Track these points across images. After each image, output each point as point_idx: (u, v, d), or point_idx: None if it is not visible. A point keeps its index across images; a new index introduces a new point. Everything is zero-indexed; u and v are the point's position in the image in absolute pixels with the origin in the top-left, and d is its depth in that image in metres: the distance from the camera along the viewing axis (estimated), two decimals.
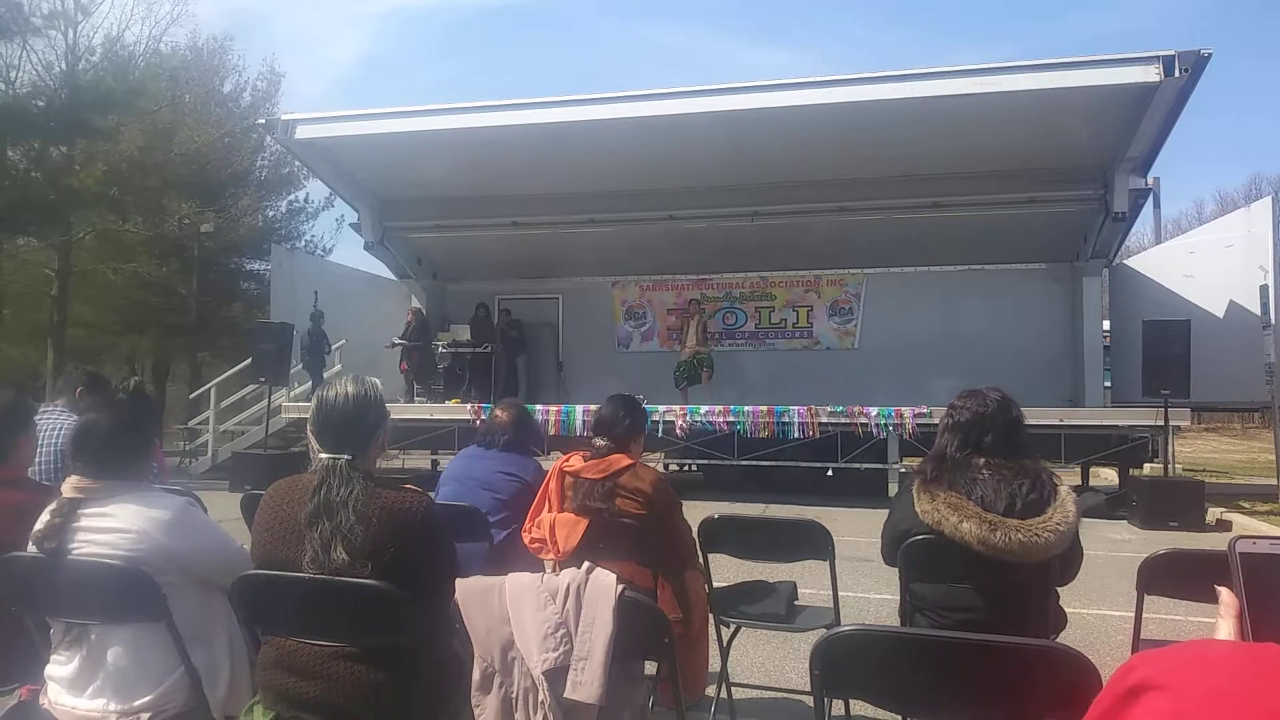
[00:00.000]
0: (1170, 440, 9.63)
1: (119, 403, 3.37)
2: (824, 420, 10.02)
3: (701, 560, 3.14)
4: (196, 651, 1.98)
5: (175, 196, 19.80)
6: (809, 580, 3.46)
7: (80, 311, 19.92)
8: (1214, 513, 8.95)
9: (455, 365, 13.03)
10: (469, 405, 11.01)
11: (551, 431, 10.37)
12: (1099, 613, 4.92)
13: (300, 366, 12.02)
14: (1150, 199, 12.45)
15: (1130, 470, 10.13)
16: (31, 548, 2.00)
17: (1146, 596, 2.57)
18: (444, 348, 12.97)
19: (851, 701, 2.71)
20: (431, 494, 2.10)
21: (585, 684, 1.87)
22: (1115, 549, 7.16)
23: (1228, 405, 12.87)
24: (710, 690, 3.19)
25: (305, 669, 1.73)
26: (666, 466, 11.73)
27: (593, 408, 8.91)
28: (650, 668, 2.18)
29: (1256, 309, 9.83)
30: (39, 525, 2.00)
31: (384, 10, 64.91)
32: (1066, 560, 2.21)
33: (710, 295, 13.95)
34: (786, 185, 11.73)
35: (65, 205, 15.99)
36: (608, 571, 2.01)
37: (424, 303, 14.22)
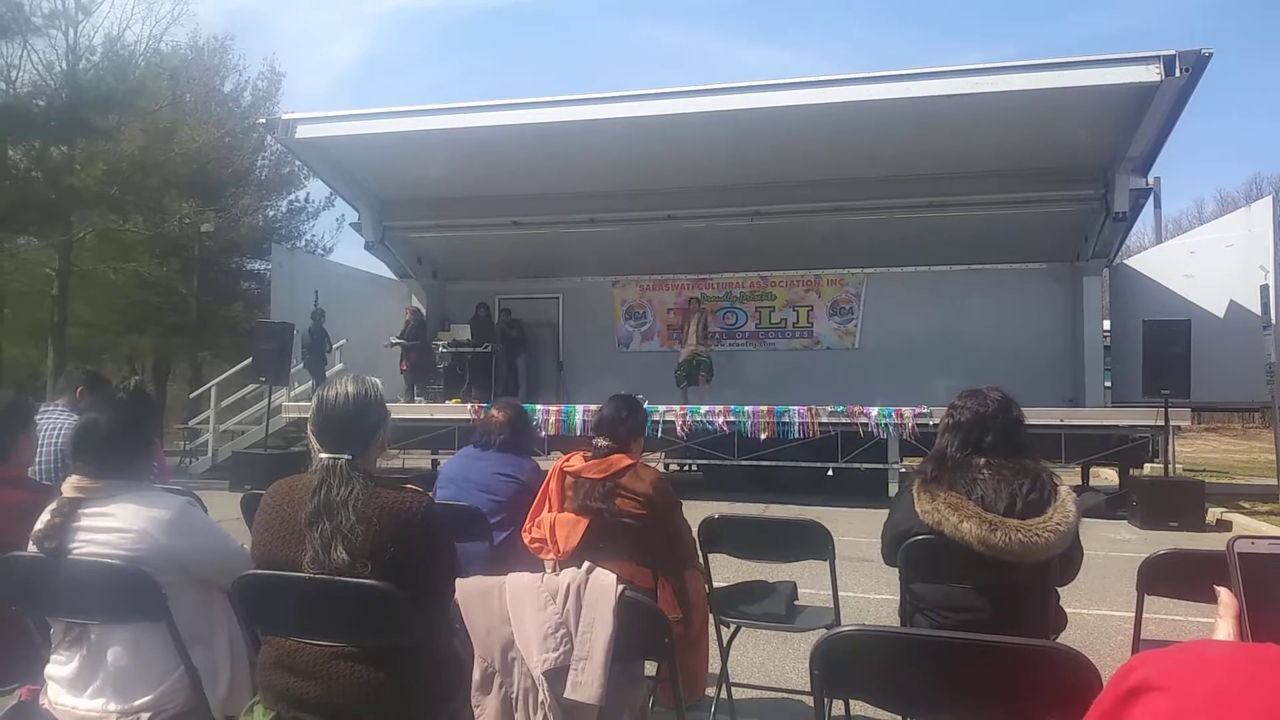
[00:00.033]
0: (1170, 440, 9.63)
1: (119, 402, 3.38)
2: (824, 420, 10.02)
3: (701, 560, 3.14)
4: (196, 651, 1.99)
5: (176, 196, 19.82)
6: (809, 580, 3.46)
7: (81, 311, 19.94)
8: (1214, 513, 8.95)
9: (455, 365, 13.04)
10: (469, 405, 11.00)
11: (552, 431, 10.38)
12: (1099, 613, 4.92)
13: (300, 366, 12.01)
14: (1151, 199, 12.45)
15: (1130, 470, 10.13)
16: (32, 547, 2.00)
17: (1147, 597, 2.57)
18: (444, 347, 12.98)
19: (851, 702, 2.70)
20: (431, 494, 2.10)
21: (585, 684, 1.88)
22: (1115, 549, 7.16)
23: (1228, 405, 12.87)
24: (710, 690, 3.19)
25: (305, 669, 1.73)
26: (667, 466, 11.73)
27: (593, 408, 8.94)
28: (650, 668, 2.18)
29: (1257, 309, 9.82)
30: (39, 525, 2.00)
31: (384, 10, 64.97)
32: (1067, 560, 2.21)
33: (710, 295, 13.94)
34: (786, 185, 11.73)
35: (66, 205, 16.00)
36: (608, 571, 2.01)
37: (424, 302, 14.22)
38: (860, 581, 5.12)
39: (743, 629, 3.21)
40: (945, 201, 11.43)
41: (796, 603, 3.25)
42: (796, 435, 10.05)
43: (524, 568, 2.16)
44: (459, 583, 1.97)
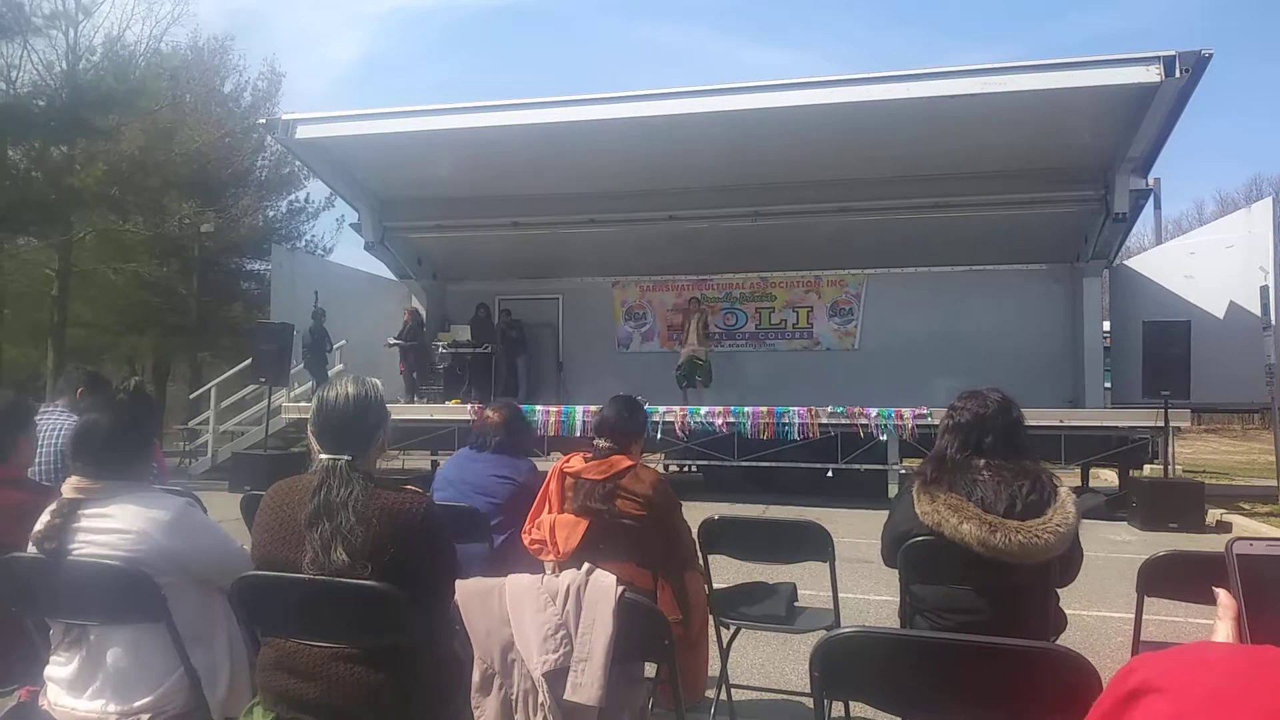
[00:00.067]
0: (1170, 441, 9.63)
1: (119, 403, 3.38)
2: (824, 421, 10.02)
3: (701, 561, 3.14)
4: (196, 652, 1.98)
5: (176, 196, 19.82)
6: (809, 582, 3.46)
7: (80, 311, 19.94)
8: (1214, 514, 8.95)
9: (455, 366, 13.05)
10: (469, 406, 11.01)
11: (551, 432, 10.38)
12: (1099, 614, 4.92)
13: (300, 366, 12.02)
14: (1151, 199, 12.46)
15: (1130, 471, 10.14)
16: (31, 548, 2.00)
17: (1146, 598, 2.57)
18: (444, 348, 12.98)
19: (851, 703, 2.71)
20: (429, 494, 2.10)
21: (585, 686, 1.88)
22: (1115, 550, 7.16)
23: (1228, 406, 12.87)
24: (710, 692, 3.19)
25: (305, 670, 1.73)
26: (666, 467, 11.74)
27: (593, 408, 8.94)
28: (650, 669, 2.18)
29: (1257, 310, 9.83)
30: (39, 526, 2.00)
31: (384, 10, 65.01)
32: (1066, 562, 2.21)
33: (710, 296, 13.94)
34: (787, 185, 11.73)
35: (66, 205, 16.01)
36: (608, 573, 2.01)
37: (424, 303, 14.23)
38: (860, 583, 5.12)
39: (742, 630, 3.21)
40: (946, 202, 11.43)
41: (796, 604, 3.25)
42: (796, 436, 10.05)
43: (524, 569, 2.16)
44: (459, 584, 1.97)
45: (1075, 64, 9.20)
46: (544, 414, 10.50)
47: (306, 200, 25.92)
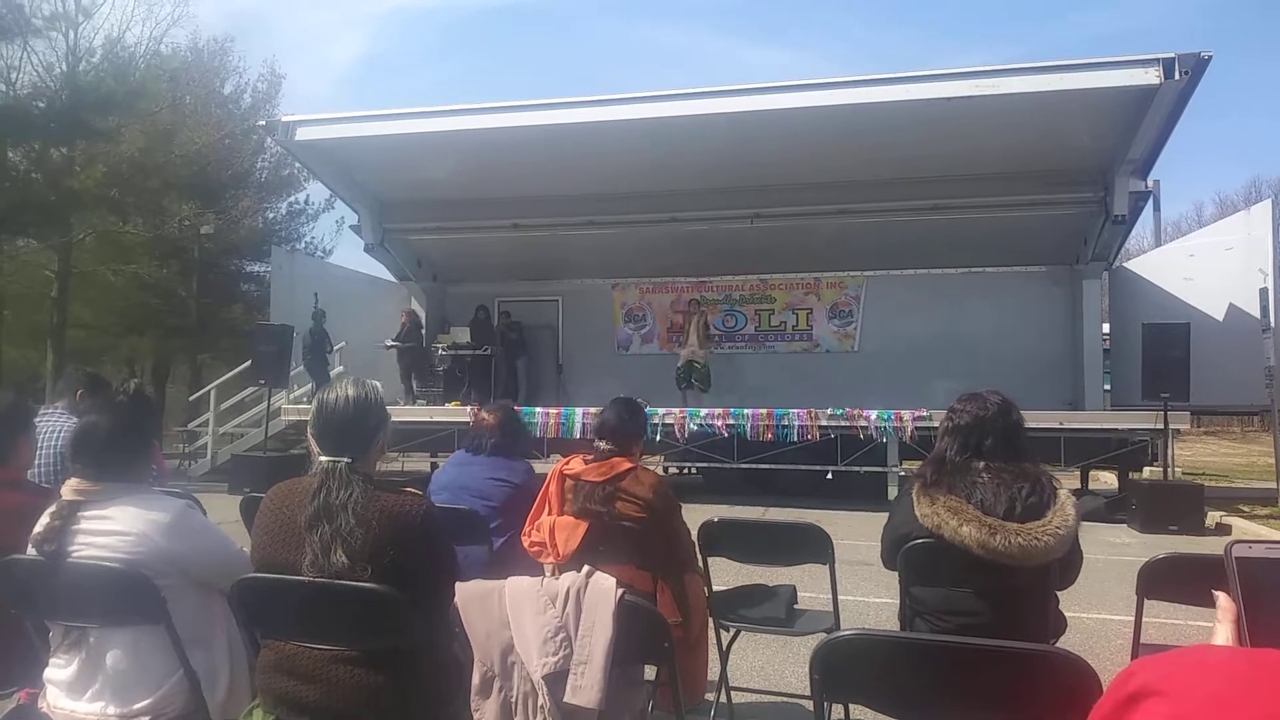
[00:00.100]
0: (1170, 443, 9.63)
1: (119, 405, 3.37)
2: (823, 423, 10.02)
3: (701, 564, 3.14)
4: (196, 654, 1.98)
5: (175, 198, 19.83)
6: (809, 584, 3.46)
7: (80, 313, 19.95)
8: (1213, 516, 8.95)
9: (455, 368, 13.05)
10: (469, 408, 11.00)
11: (551, 434, 10.38)
12: (1099, 617, 4.91)
13: (300, 368, 12.01)
14: (1150, 202, 12.47)
15: (1130, 474, 10.13)
16: (31, 550, 2.00)
17: (1146, 600, 2.57)
18: (444, 350, 12.98)
19: (851, 706, 2.70)
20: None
21: (585, 688, 1.88)
22: (1115, 553, 7.16)
23: (1227, 409, 12.85)
24: (710, 694, 3.19)
25: (305, 672, 1.73)
26: (666, 469, 11.74)
27: (593, 410, 8.94)
28: (650, 672, 2.18)
29: (1256, 312, 9.83)
30: (38, 528, 2.00)
31: (384, 10, 65.03)
32: (1066, 564, 2.21)
33: (710, 298, 13.95)
34: (786, 188, 11.74)
35: (65, 206, 16.01)
36: (607, 575, 2.01)
37: (424, 305, 14.23)
38: (860, 585, 5.12)
39: (742, 633, 3.21)
40: (946, 204, 11.43)
41: (796, 606, 3.26)
42: (796, 438, 10.05)
43: (523, 571, 2.16)
44: (458, 586, 1.97)
45: (1074, 66, 9.21)
46: (544, 416, 10.50)
47: (306, 202, 25.98)
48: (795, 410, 10.10)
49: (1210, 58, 8.62)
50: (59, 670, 2.01)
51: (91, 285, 19.60)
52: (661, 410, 10.27)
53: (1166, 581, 2.53)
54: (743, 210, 12.13)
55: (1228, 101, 59.45)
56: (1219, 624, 0.87)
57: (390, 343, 12.79)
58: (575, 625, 1.93)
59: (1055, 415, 9.84)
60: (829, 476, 10.06)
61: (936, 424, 2.64)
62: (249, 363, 11.99)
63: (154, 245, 20.25)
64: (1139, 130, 9.56)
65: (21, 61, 16.44)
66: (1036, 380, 11.44)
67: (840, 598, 3.10)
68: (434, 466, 12.44)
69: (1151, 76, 8.72)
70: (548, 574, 2.54)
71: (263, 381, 11.24)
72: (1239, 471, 16.20)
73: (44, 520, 2.00)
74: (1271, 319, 9.59)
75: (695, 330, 11.92)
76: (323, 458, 1.85)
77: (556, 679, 1.90)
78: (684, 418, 10.31)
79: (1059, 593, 2.30)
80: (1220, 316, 10.56)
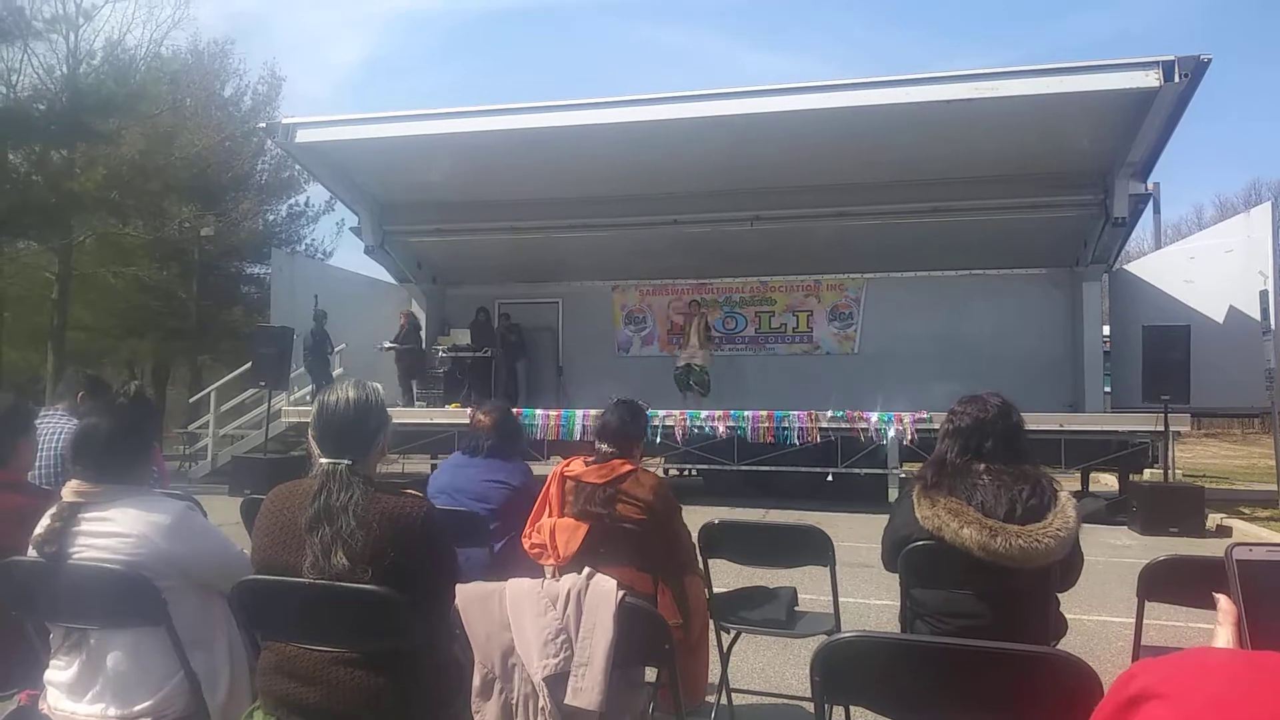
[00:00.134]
0: (1170, 446, 9.63)
1: (119, 407, 3.35)
2: (824, 425, 10.02)
3: (702, 566, 3.14)
4: (196, 656, 1.98)
5: (176, 200, 19.83)
6: (809, 586, 3.46)
7: (80, 315, 19.94)
8: (1214, 518, 8.95)
9: (455, 370, 13.05)
10: (469, 410, 11.00)
11: (551, 436, 10.37)
12: (1099, 619, 4.91)
13: (301, 370, 12.01)
14: (1150, 204, 12.48)
15: (1130, 476, 10.12)
16: (31, 552, 2.00)
17: (1147, 603, 2.57)
18: (444, 352, 12.99)
19: (852, 708, 2.70)
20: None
21: (586, 690, 1.88)
22: (1115, 555, 7.16)
23: (1228, 411, 12.85)
24: (711, 696, 3.19)
25: (305, 674, 1.73)
26: (666, 471, 11.73)
27: (593, 413, 8.94)
28: (651, 673, 2.18)
29: (1256, 314, 9.83)
30: (39, 529, 2.00)
31: (387, 13, 65.10)
32: (1067, 566, 2.21)
33: (710, 300, 13.95)
34: (786, 190, 11.75)
35: (66, 209, 16.01)
36: (608, 577, 2.01)
37: (424, 307, 14.24)
38: (860, 587, 5.12)
39: (743, 635, 3.21)
40: (946, 207, 11.45)
41: (797, 608, 3.25)
42: (796, 440, 10.05)
43: (524, 573, 2.16)
44: (459, 588, 1.97)
45: (1074, 69, 9.22)
46: (544, 418, 10.50)
47: (306, 204, 25.96)
48: (795, 412, 10.10)
49: (1210, 60, 8.63)
50: (59, 672, 2.01)
51: (92, 287, 19.59)
52: (662, 412, 10.27)
53: (1167, 584, 2.53)
54: (743, 212, 12.14)
55: (1228, 104, 59.55)
56: (1220, 626, 0.87)
57: (387, 345, 12.79)
58: (576, 627, 1.93)
59: (1055, 417, 9.84)
60: (829, 479, 10.05)
61: (937, 426, 2.65)
62: (249, 365, 11.99)
63: (154, 247, 20.24)
64: (1139, 133, 9.57)
65: (22, 64, 16.46)
66: (1037, 382, 11.45)
67: (841, 600, 3.10)
68: (434, 468, 12.45)
69: (1151, 79, 8.73)
70: (548, 576, 2.54)
71: (263, 383, 11.24)
72: (1239, 474, 16.20)
73: (44, 522, 2.00)
74: (1272, 321, 9.59)
75: (696, 332, 11.92)
76: (323, 459, 1.85)
77: (557, 681, 1.90)
78: (684, 420, 10.31)
79: (1060, 595, 2.30)
80: (1220, 319, 10.56)
